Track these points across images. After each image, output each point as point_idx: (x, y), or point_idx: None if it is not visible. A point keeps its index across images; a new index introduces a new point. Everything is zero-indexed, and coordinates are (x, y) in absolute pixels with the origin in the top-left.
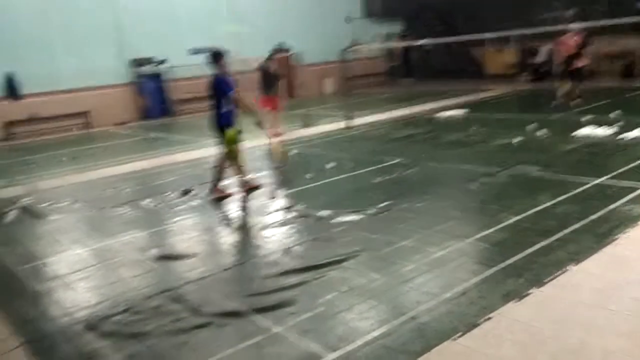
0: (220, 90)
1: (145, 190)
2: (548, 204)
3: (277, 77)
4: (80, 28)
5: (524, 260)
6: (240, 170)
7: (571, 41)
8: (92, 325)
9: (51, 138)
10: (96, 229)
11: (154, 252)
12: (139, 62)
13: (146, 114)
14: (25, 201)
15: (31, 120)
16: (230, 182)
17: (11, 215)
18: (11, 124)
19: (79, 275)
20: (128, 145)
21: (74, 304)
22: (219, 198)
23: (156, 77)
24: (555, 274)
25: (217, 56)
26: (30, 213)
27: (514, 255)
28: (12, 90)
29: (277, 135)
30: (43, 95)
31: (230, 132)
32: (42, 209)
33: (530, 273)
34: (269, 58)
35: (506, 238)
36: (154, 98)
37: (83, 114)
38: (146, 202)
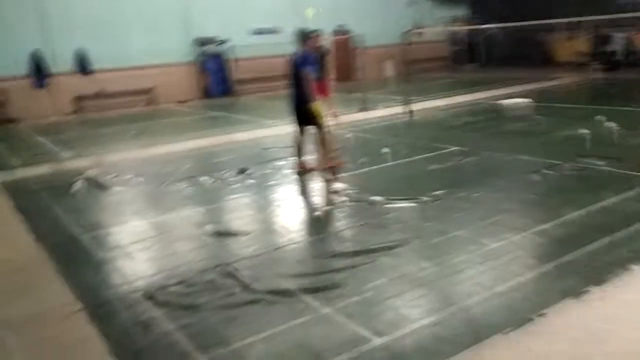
0: (307, 65)
1: (204, 167)
2: (613, 199)
3: (324, 57)
4: (149, 6)
5: (584, 257)
6: (300, 151)
7: None
8: (149, 294)
9: (117, 113)
10: (156, 202)
11: (210, 227)
12: (202, 41)
13: (207, 93)
14: (91, 173)
15: (99, 95)
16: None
17: (78, 185)
18: (81, 98)
19: (138, 246)
20: (189, 123)
21: (133, 273)
22: (302, 172)
23: (218, 56)
24: (617, 273)
25: (305, 35)
26: (96, 184)
27: (573, 252)
28: (83, 66)
29: (333, 118)
30: (111, 71)
31: (317, 105)
32: (107, 181)
33: (590, 271)
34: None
35: (566, 233)
36: (215, 77)
37: (148, 90)
38: (204, 179)
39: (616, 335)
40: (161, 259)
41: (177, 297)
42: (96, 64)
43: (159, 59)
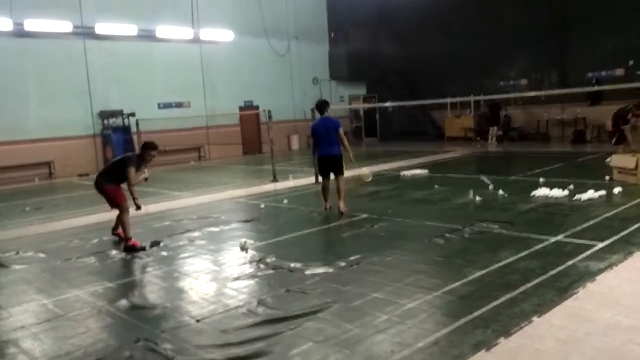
0: (334, 128)
1: (113, 241)
2: (510, 259)
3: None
4: (52, 79)
5: (491, 312)
6: (326, 196)
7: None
8: None
9: (13, 188)
10: (62, 279)
11: (124, 302)
12: (107, 114)
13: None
14: None
15: None
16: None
17: None
18: None
19: (46, 325)
20: (93, 196)
21: (43, 354)
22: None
23: (124, 129)
24: (521, 325)
25: (324, 104)
26: None
27: (481, 308)
28: None
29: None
30: (6, 144)
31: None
32: (6, 259)
33: (497, 324)
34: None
35: (472, 291)
36: (120, 150)
37: (47, 164)
38: (114, 253)
39: None
40: (73, 338)
41: None
42: None
43: (59, 131)
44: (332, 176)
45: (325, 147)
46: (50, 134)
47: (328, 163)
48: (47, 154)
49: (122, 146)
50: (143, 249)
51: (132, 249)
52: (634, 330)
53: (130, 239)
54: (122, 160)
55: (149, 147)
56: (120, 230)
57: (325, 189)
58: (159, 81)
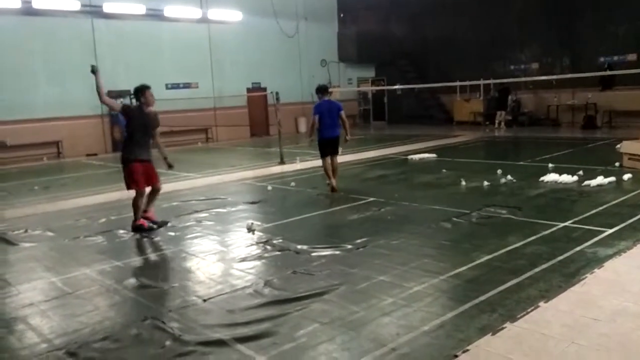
0: (336, 110)
1: (120, 220)
2: (518, 244)
3: (155, 123)
4: (59, 58)
5: (497, 296)
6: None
7: None
8: (72, 352)
9: (22, 166)
10: (71, 257)
11: (132, 281)
12: (114, 95)
13: (120, 146)
14: None
15: (1, 147)
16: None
17: None
18: None
19: (54, 303)
20: (101, 176)
21: (51, 331)
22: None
23: None
24: (527, 310)
25: (324, 88)
26: (3, 240)
27: (487, 292)
28: None
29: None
30: (14, 122)
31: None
32: (15, 237)
33: (503, 309)
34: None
35: (479, 275)
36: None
37: (55, 143)
38: (122, 233)
39: None
40: (81, 315)
41: (103, 352)
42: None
43: (67, 111)
44: None
45: (328, 129)
46: (58, 114)
47: (330, 144)
48: (55, 133)
49: None
50: (151, 228)
51: (139, 229)
52: None
53: (139, 219)
54: (128, 116)
55: (143, 88)
56: (150, 213)
57: (328, 168)
58: (166, 61)
